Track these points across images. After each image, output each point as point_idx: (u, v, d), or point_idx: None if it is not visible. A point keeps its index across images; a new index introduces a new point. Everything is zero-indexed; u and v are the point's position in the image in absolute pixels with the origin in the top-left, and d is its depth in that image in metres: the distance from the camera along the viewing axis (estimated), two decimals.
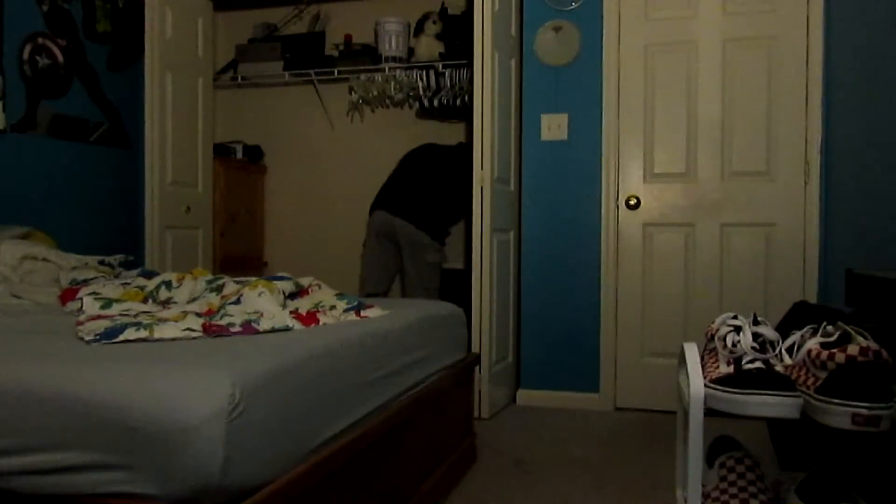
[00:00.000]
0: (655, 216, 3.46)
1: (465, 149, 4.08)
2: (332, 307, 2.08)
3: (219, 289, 2.04)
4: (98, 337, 1.56)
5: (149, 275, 2.41)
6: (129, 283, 2.25)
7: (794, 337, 1.30)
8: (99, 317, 1.82)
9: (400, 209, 3.95)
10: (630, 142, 3.48)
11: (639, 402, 3.46)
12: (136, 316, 1.84)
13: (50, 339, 1.62)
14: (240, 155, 4.71)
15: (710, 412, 1.24)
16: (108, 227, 4.05)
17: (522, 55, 3.62)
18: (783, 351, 1.30)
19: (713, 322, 1.39)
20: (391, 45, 4.36)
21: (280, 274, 2.21)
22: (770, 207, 3.31)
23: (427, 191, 4.01)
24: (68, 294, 2.22)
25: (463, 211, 3.98)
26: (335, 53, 4.60)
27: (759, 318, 1.31)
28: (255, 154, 4.83)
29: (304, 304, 2.07)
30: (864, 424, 1.08)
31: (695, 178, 3.41)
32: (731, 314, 1.36)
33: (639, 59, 3.46)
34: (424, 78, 4.30)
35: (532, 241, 3.60)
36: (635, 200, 3.46)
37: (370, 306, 2.15)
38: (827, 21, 3.22)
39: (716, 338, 1.32)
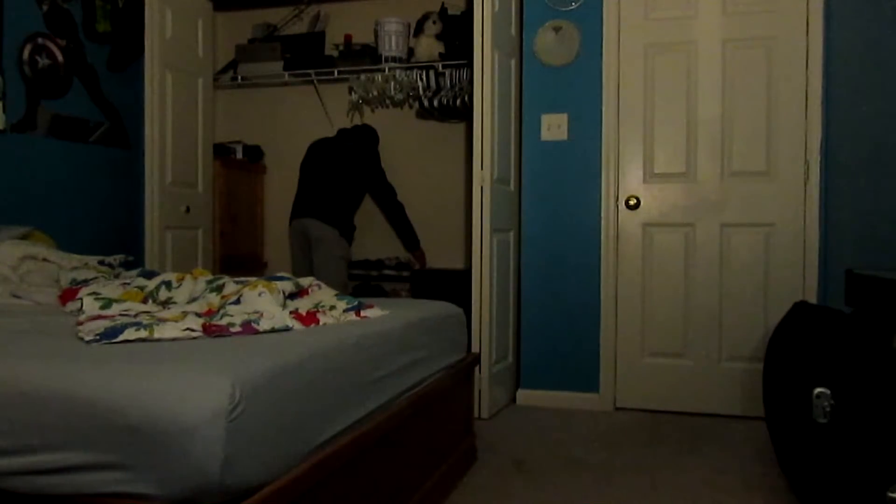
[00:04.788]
0: (655, 216, 3.46)
1: (346, 135, 4.33)
2: (332, 307, 2.08)
3: (219, 289, 2.04)
4: (98, 337, 1.56)
5: (149, 275, 2.41)
6: (129, 283, 2.25)
7: None
8: (99, 317, 1.82)
9: (309, 211, 4.13)
10: (630, 142, 3.48)
11: (639, 402, 3.46)
12: (136, 316, 1.84)
13: (50, 339, 1.62)
14: (240, 155, 4.71)
15: None
16: (108, 227, 4.05)
17: (522, 55, 3.62)
18: None
19: None
20: (391, 45, 4.37)
21: (280, 274, 2.21)
22: (770, 207, 3.31)
23: (326, 187, 4.15)
24: (68, 294, 2.22)
25: (356, 198, 4.25)
26: (335, 53, 4.61)
27: None
28: (255, 154, 4.84)
29: (304, 304, 2.07)
30: None
31: (695, 178, 3.41)
32: None
33: (639, 59, 3.46)
34: (424, 78, 4.30)
35: (532, 241, 3.60)
36: (635, 200, 3.46)
37: (370, 306, 2.15)
38: (827, 21, 3.22)
39: None
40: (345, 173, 4.17)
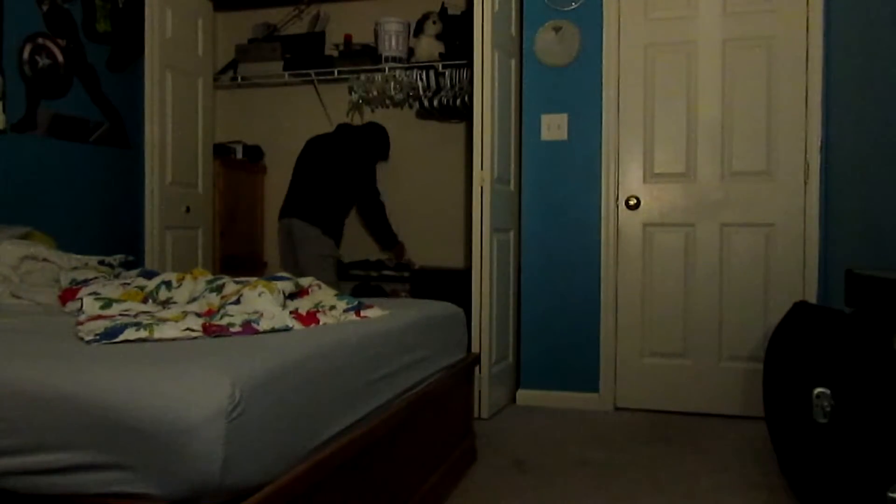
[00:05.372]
0: (655, 216, 3.46)
1: (343, 133, 4.23)
2: (332, 307, 2.08)
3: (219, 289, 2.04)
4: (98, 337, 1.56)
5: (149, 275, 2.41)
6: (129, 284, 2.25)
7: None
8: (99, 317, 1.82)
9: (294, 210, 4.07)
10: (630, 142, 3.48)
11: (639, 402, 3.46)
12: (135, 316, 1.84)
13: (50, 339, 1.62)
14: (240, 155, 4.71)
15: None
16: (108, 227, 4.05)
17: (522, 55, 3.62)
18: None
19: None
20: (391, 45, 4.36)
21: (280, 274, 2.21)
22: (770, 207, 3.31)
23: (314, 185, 4.08)
24: (68, 294, 2.22)
25: (344, 197, 4.13)
26: (335, 53, 4.61)
27: None
28: (255, 154, 4.83)
29: (304, 304, 2.07)
30: None
31: (695, 178, 3.41)
32: None
33: (639, 59, 3.46)
34: (424, 78, 4.30)
35: (532, 241, 3.60)
36: (635, 200, 3.46)
37: (370, 306, 2.15)
38: (827, 21, 3.22)
39: None
40: (335, 171, 4.10)
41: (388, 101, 4.58)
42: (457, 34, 4.22)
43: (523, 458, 2.72)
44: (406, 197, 4.60)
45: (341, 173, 4.10)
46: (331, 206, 4.09)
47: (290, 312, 1.91)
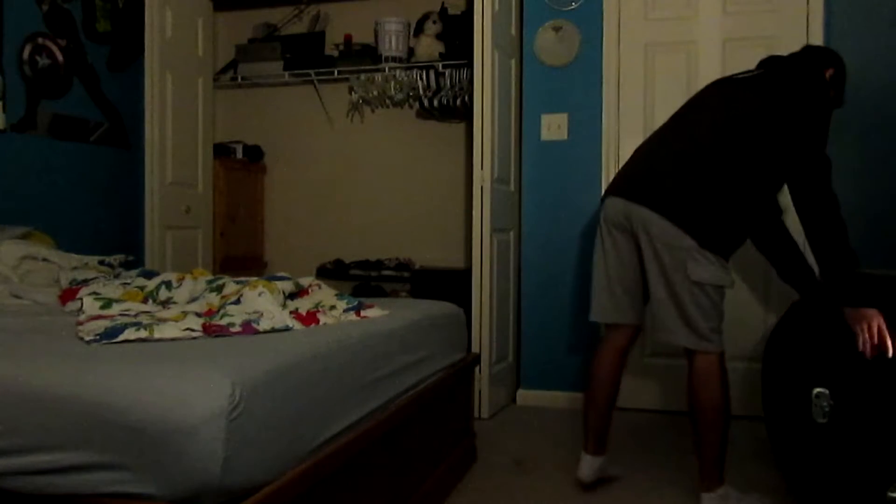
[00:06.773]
0: None
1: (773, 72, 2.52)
2: (332, 307, 2.08)
3: (219, 289, 2.04)
4: (98, 337, 1.56)
5: (149, 275, 2.41)
6: (129, 283, 2.25)
7: None
8: (99, 317, 1.82)
9: (642, 195, 2.31)
10: (630, 142, 3.47)
11: (639, 402, 3.46)
12: (136, 316, 1.84)
13: (50, 339, 1.62)
14: (240, 155, 4.71)
15: None
16: (108, 227, 4.05)
17: (522, 55, 3.62)
18: None
19: None
20: (391, 45, 4.36)
21: (280, 274, 2.21)
22: None
23: (697, 170, 2.30)
24: (68, 294, 2.22)
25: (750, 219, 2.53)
26: (335, 53, 4.60)
27: None
28: (255, 154, 4.83)
29: (304, 304, 2.07)
30: None
31: None
32: None
33: (639, 59, 3.46)
34: (424, 78, 4.30)
35: (532, 241, 3.60)
36: None
37: (370, 306, 2.15)
38: (827, 21, 3.22)
39: None
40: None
41: (388, 101, 4.57)
42: (457, 34, 4.22)
43: (523, 458, 2.72)
44: (406, 197, 4.60)
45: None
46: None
47: (290, 312, 1.91)
